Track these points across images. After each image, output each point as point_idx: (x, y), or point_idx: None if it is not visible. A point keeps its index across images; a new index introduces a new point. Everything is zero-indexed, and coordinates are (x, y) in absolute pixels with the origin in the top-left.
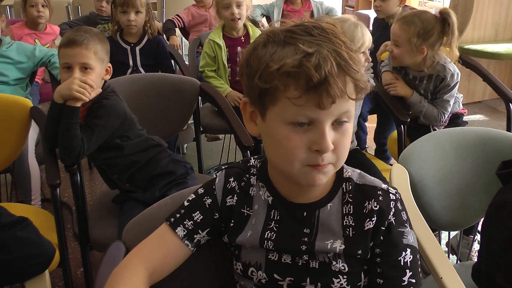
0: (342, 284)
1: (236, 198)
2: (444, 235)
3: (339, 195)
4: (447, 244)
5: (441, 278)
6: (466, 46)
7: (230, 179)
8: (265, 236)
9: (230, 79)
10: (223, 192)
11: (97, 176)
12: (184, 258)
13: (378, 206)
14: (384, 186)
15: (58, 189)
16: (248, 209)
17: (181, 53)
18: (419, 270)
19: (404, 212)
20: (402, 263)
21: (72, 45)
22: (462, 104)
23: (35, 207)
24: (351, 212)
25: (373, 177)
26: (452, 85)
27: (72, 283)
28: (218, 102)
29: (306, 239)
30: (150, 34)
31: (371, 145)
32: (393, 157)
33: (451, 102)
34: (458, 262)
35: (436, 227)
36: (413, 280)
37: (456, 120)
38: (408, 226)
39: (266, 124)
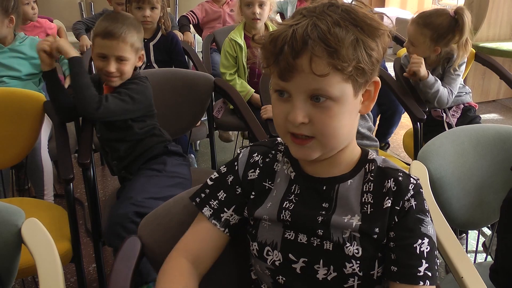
0: (354, 270)
1: (258, 172)
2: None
3: (361, 174)
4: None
5: (462, 277)
6: (481, 44)
7: (254, 154)
8: (284, 206)
9: (249, 80)
10: (245, 166)
11: (109, 173)
12: (222, 243)
13: (396, 186)
14: (406, 171)
15: (71, 184)
16: (270, 182)
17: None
18: (437, 266)
19: (425, 201)
20: (418, 251)
21: (110, 37)
22: (476, 102)
23: (48, 202)
24: (371, 190)
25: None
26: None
27: (85, 279)
28: (233, 97)
29: (323, 212)
30: (164, 30)
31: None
32: (409, 154)
33: (458, 82)
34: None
35: (454, 226)
36: (429, 273)
37: (468, 112)
38: (429, 216)
39: None
